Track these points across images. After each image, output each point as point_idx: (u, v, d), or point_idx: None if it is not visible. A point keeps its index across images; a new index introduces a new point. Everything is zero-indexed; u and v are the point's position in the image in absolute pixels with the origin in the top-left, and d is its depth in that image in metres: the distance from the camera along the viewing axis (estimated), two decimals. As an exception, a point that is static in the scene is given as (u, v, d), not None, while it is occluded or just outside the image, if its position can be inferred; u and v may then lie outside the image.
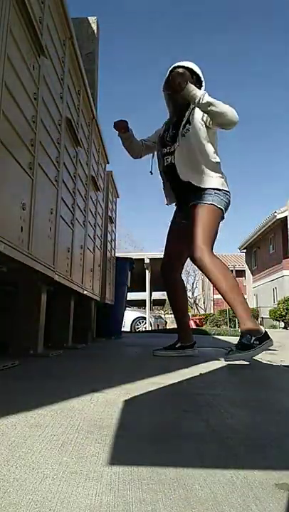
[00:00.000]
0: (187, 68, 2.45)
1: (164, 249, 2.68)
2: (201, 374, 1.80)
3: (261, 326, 2.10)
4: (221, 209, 2.34)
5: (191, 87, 2.24)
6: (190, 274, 37.44)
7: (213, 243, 2.30)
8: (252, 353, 2.04)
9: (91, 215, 3.48)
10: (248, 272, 27.15)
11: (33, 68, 1.78)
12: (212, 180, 2.35)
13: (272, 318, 18.48)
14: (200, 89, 2.36)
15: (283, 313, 17.11)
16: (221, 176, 2.41)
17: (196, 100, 2.22)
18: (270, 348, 2.11)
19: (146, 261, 11.07)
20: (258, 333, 2.07)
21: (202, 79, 2.47)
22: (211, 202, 2.31)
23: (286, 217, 18.88)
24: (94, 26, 4.55)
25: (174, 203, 2.64)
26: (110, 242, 4.83)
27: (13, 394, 1.28)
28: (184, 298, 2.69)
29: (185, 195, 2.43)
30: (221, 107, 2.23)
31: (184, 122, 2.43)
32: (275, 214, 19.83)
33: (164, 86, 2.54)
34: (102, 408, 1.10)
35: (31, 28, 1.70)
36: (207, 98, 2.21)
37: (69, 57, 2.48)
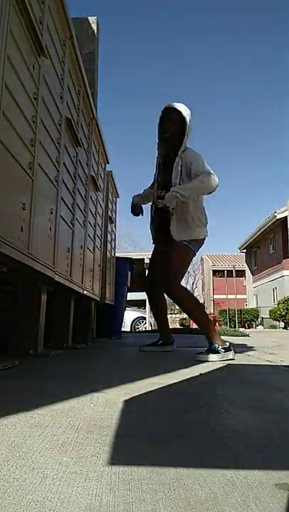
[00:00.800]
0: (176, 110, 2.68)
1: (148, 270, 3.10)
2: (201, 374, 1.80)
3: (227, 342, 2.53)
4: (194, 251, 2.78)
5: (171, 198, 2.56)
6: (190, 274, 37.39)
7: (182, 277, 2.82)
8: (216, 356, 2.38)
9: (91, 215, 3.48)
10: (248, 272, 27.14)
11: (33, 68, 1.78)
12: (194, 232, 2.73)
13: (272, 318, 18.48)
14: (184, 130, 2.67)
15: (283, 313, 17.12)
16: (202, 224, 2.77)
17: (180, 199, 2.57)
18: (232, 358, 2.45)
19: (146, 261, 11.05)
20: (224, 345, 2.46)
21: (187, 123, 2.67)
22: (188, 245, 2.70)
23: (286, 217, 18.89)
24: (94, 26, 4.55)
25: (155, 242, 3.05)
26: (110, 242, 4.83)
27: (13, 394, 1.28)
28: (166, 311, 3.26)
29: (167, 236, 2.75)
30: (195, 190, 2.59)
31: (173, 181, 2.68)
32: (275, 214, 19.83)
33: (158, 126, 2.80)
34: (102, 408, 1.10)
35: (31, 28, 1.70)
36: (183, 197, 2.54)
37: (69, 57, 2.48)
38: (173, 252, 2.75)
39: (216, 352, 2.39)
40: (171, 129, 2.72)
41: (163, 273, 2.81)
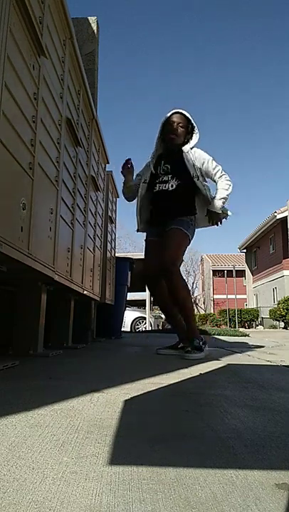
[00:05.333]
0: (185, 116, 2.93)
1: (144, 262, 3.01)
2: (201, 374, 1.80)
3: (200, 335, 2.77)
4: (190, 239, 2.88)
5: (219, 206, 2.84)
6: (190, 274, 37.39)
7: (181, 262, 2.90)
8: (202, 354, 2.58)
9: (91, 215, 3.48)
10: (248, 272, 27.13)
11: (33, 68, 1.78)
12: (191, 210, 2.89)
13: (272, 318, 18.48)
14: (194, 134, 2.94)
15: (283, 313, 17.11)
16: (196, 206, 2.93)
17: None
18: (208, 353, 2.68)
19: (146, 261, 11.02)
20: (201, 338, 2.70)
21: (195, 126, 2.95)
22: (186, 232, 2.82)
23: (286, 217, 18.88)
24: (94, 26, 4.55)
25: (146, 228, 3.07)
26: (110, 242, 4.83)
27: (13, 394, 1.28)
28: (170, 301, 2.92)
29: (164, 219, 2.86)
30: (226, 195, 2.85)
31: (193, 173, 2.84)
32: (275, 214, 19.82)
33: (161, 130, 2.97)
34: (102, 408, 1.10)
35: (31, 28, 1.70)
36: (223, 204, 2.85)
37: (69, 57, 2.48)
38: (173, 234, 2.81)
39: (200, 349, 2.59)
40: (180, 131, 2.96)
41: (159, 263, 2.83)
